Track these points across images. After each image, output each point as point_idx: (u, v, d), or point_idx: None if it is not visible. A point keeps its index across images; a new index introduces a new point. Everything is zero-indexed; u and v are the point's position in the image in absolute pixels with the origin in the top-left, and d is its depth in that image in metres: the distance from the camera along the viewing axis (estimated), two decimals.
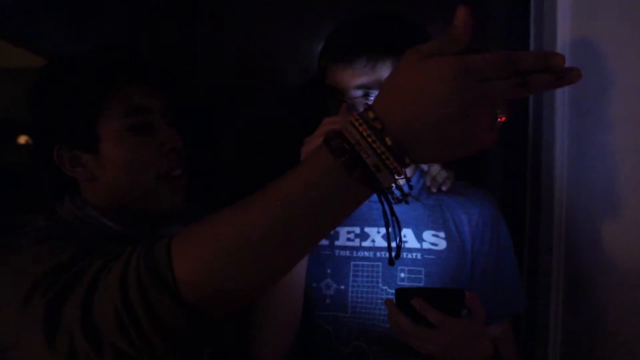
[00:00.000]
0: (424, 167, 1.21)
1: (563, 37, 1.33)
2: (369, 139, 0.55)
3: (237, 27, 1.58)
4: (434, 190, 1.17)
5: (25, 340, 0.69)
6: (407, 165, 0.57)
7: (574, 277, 1.32)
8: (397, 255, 0.67)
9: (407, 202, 0.62)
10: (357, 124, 0.56)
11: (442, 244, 1.12)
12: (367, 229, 1.13)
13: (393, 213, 0.63)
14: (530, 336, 1.42)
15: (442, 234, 1.12)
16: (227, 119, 1.59)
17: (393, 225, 0.64)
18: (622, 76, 1.22)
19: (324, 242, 1.13)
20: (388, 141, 0.55)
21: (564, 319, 1.34)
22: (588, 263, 1.28)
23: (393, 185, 0.59)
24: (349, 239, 1.13)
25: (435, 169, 1.20)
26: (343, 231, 1.14)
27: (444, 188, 1.16)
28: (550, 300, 1.35)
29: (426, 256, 1.10)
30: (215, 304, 0.62)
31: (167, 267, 0.61)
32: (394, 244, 0.69)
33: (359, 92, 1.03)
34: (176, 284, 0.60)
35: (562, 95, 1.34)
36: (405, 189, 0.59)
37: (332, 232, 1.14)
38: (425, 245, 1.11)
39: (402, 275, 1.09)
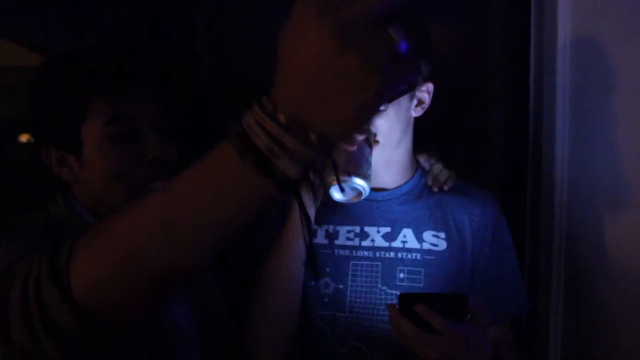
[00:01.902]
0: (426, 166, 1.21)
1: (564, 36, 1.33)
2: (259, 119, 0.50)
3: (237, 26, 1.58)
4: (435, 189, 1.16)
5: None
6: (317, 148, 0.49)
7: (575, 278, 1.32)
8: (314, 268, 0.61)
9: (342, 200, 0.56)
10: (253, 109, 0.51)
11: (443, 245, 1.11)
12: (367, 229, 1.13)
13: (303, 209, 0.58)
14: (531, 337, 1.42)
15: (442, 235, 1.12)
16: (227, 120, 1.58)
17: (303, 225, 0.59)
18: (622, 75, 1.21)
19: (324, 240, 1.13)
20: (281, 117, 0.48)
21: (564, 319, 1.34)
22: (588, 264, 1.28)
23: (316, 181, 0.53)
24: (348, 238, 1.12)
25: (437, 167, 1.19)
26: (343, 230, 1.13)
27: (445, 188, 1.16)
28: (550, 301, 1.35)
29: (426, 257, 1.10)
30: (105, 309, 0.59)
31: (64, 263, 0.58)
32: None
33: None
34: (69, 282, 0.57)
35: (562, 94, 1.33)
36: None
37: (331, 231, 1.13)
38: (426, 246, 1.10)
39: (402, 275, 1.09)
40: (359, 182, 0.95)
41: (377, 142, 1.04)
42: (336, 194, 0.99)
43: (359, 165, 0.95)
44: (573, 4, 1.30)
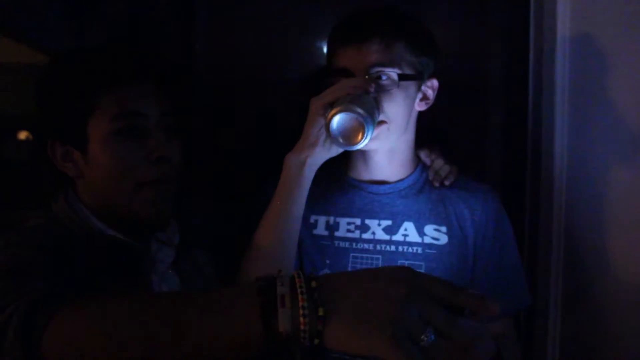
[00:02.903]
0: (427, 161, 1.21)
1: (563, 34, 1.33)
2: (298, 281, 0.53)
3: (236, 24, 1.58)
4: (436, 184, 1.16)
5: None
6: (312, 339, 0.52)
7: (573, 275, 1.32)
8: None
9: None
10: (295, 275, 0.55)
11: (444, 239, 1.11)
12: (367, 221, 1.12)
13: None
14: (529, 334, 1.42)
15: (444, 229, 1.11)
16: (228, 117, 1.59)
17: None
18: (621, 74, 1.22)
19: (324, 232, 1.13)
20: (320, 311, 0.52)
21: (563, 316, 1.34)
22: (587, 261, 1.28)
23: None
24: (349, 230, 1.12)
25: (439, 163, 1.19)
26: (343, 222, 1.13)
27: (446, 182, 1.16)
28: (549, 300, 1.35)
29: (427, 250, 1.09)
30: None
31: (41, 324, 0.60)
32: None
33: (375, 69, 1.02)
34: (39, 342, 0.59)
35: (561, 92, 1.34)
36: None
37: (332, 222, 1.13)
38: (427, 240, 1.10)
39: None
40: (359, 111, 0.93)
41: (382, 122, 1.03)
42: (335, 126, 0.95)
43: (361, 104, 0.94)
44: (572, 2, 1.30)
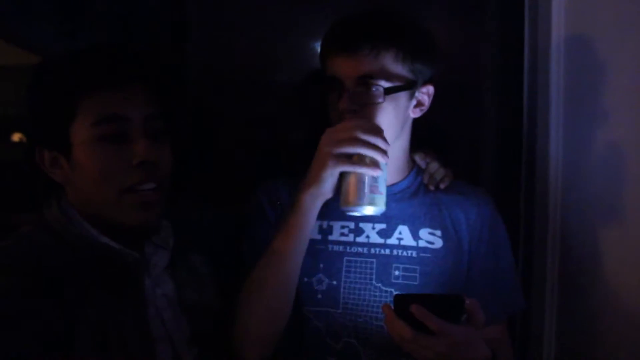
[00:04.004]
0: (422, 164, 1.20)
1: (557, 36, 1.33)
2: None
3: (229, 24, 1.57)
4: (431, 188, 1.15)
5: None
6: None
7: (569, 278, 1.32)
8: None
9: None
10: None
11: (439, 243, 1.10)
12: (361, 224, 1.12)
13: None
14: (525, 337, 1.41)
15: (438, 233, 1.11)
16: (219, 118, 1.58)
17: None
18: (616, 74, 1.21)
19: (317, 236, 1.12)
20: None
21: (558, 320, 1.34)
22: (583, 264, 1.28)
23: None
24: (342, 234, 1.11)
25: (434, 166, 1.19)
26: (337, 225, 1.12)
27: (442, 186, 1.15)
28: (545, 302, 1.35)
29: (422, 254, 1.09)
30: None
31: None
32: None
33: (361, 82, 1.01)
34: None
35: (556, 94, 1.34)
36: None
37: (325, 226, 1.12)
38: (422, 243, 1.10)
39: (397, 273, 1.08)
40: (365, 211, 0.97)
41: None
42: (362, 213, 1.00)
43: (359, 196, 0.96)
44: (567, 3, 1.30)
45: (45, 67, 0.95)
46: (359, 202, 0.96)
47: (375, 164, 0.95)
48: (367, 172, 0.95)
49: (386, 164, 0.97)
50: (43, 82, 0.92)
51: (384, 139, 0.96)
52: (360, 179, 0.95)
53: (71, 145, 0.90)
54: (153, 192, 0.94)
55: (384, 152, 0.95)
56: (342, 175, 0.97)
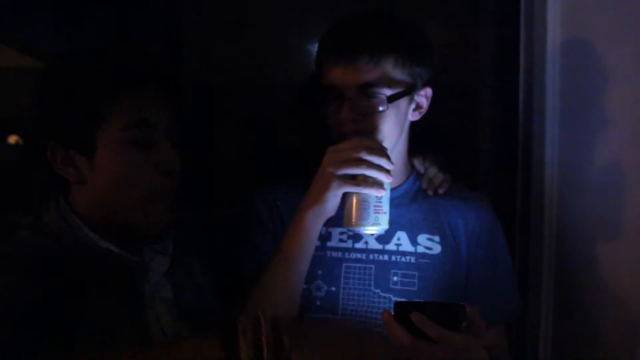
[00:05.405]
0: (420, 169, 1.20)
1: (553, 38, 1.33)
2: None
3: (226, 27, 1.57)
4: (430, 192, 1.15)
5: None
6: None
7: (565, 282, 1.32)
8: None
9: None
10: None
11: (437, 248, 1.10)
12: None
13: None
14: (521, 342, 1.42)
15: (437, 238, 1.11)
16: (218, 121, 1.58)
17: None
18: (611, 76, 1.21)
19: (316, 242, 1.10)
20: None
21: (554, 324, 1.34)
22: (578, 267, 1.28)
23: None
24: (341, 240, 1.11)
25: (432, 170, 1.19)
26: (335, 232, 1.12)
27: (440, 191, 1.15)
28: (540, 305, 1.35)
29: (420, 260, 1.09)
30: None
31: None
32: None
33: (361, 90, 1.00)
34: None
35: (552, 96, 1.34)
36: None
37: (323, 232, 1.11)
38: (420, 249, 1.10)
39: (395, 278, 1.08)
40: (368, 231, 1.00)
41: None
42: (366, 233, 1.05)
43: (362, 216, 0.98)
44: (562, 5, 1.30)
45: (68, 67, 0.93)
46: (364, 223, 0.97)
47: (379, 184, 0.95)
48: (371, 192, 0.95)
49: (389, 183, 0.98)
50: (68, 82, 0.90)
51: (388, 159, 0.96)
52: (364, 199, 0.96)
53: (95, 147, 0.89)
54: (172, 198, 0.94)
55: (387, 172, 0.96)
56: (346, 194, 0.97)
